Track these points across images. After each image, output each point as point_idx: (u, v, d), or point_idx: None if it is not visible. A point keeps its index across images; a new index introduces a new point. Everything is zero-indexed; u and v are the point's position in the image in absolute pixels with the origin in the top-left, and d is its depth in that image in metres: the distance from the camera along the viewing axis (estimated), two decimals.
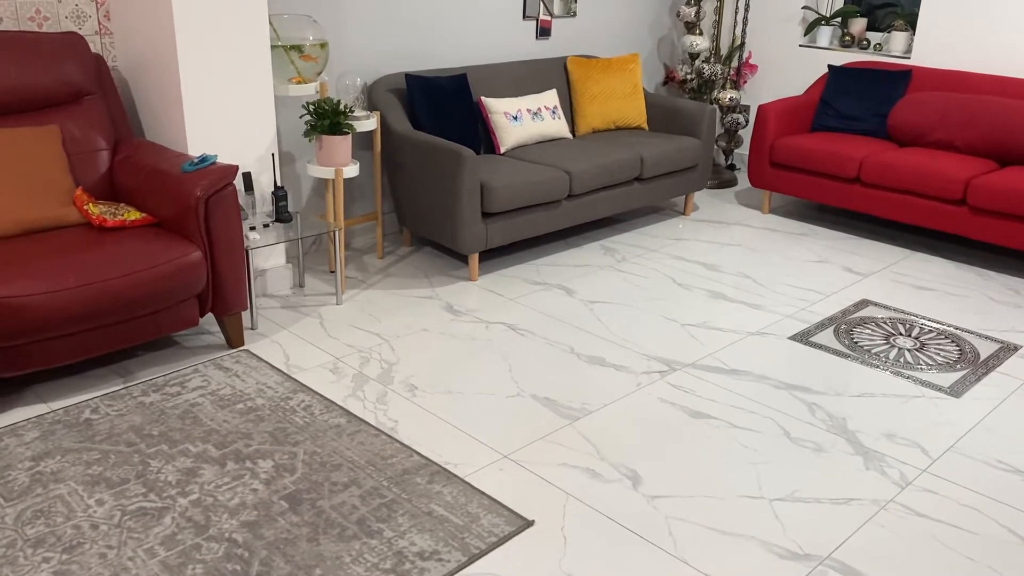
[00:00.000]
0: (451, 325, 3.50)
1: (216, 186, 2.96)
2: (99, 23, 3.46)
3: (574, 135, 4.88)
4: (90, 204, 3.06)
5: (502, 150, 4.40)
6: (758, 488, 2.49)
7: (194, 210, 2.93)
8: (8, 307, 2.55)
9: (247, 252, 3.25)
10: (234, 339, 3.22)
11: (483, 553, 2.18)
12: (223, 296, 3.09)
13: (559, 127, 4.64)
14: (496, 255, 4.30)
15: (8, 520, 2.24)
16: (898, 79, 4.92)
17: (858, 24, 5.41)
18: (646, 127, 5.00)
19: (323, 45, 3.76)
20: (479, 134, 4.30)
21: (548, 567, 2.15)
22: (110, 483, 2.41)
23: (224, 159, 3.45)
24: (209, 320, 3.43)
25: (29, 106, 3.15)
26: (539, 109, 4.56)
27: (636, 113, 4.93)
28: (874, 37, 5.41)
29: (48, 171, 3.03)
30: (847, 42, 5.43)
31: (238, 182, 3.51)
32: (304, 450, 2.59)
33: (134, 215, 3.06)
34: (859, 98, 4.97)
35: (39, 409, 2.78)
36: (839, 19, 5.50)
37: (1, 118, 3.08)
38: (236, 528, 2.24)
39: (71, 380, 2.96)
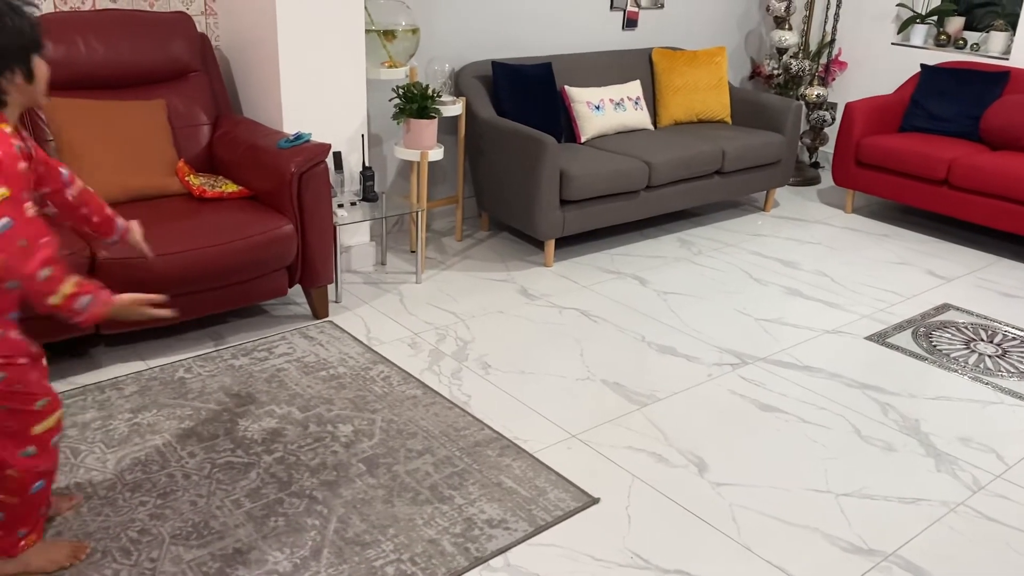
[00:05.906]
0: (525, 308, 3.57)
1: (310, 163, 3.09)
2: (205, 4, 3.64)
3: (656, 126, 4.89)
4: (191, 175, 3.23)
5: (583, 139, 4.44)
6: (825, 482, 2.50)
7: (288, 185, 3.07)
8: (120, 267, 2.72)
9: (335, 228, 3.38)
10: (319, 310, 3.36)
11: (549, 525, 2.25)
12: (311, 269, 3.22)
13: (641, 118, 4.66)
14: (572, 242, 4.36)
15: (109, 465, 2.41)
16: (994, 81, 4.78)
17: (955, 23, 5.27)
18: (729, 121, 4.97)
19: (414, 31, 3.87)
20: (561, 122, 4.35)
21: (612, 543, 2.21)
22: (201, 437, 2.56)
23: (317, 138, 3.58)
24: (296, 291, 3.58)
25: (139, 80, 3.34)
26: (622, 99, 4.59)
27: (720, 106, 4.92)
28: (971, 37, 5.26)
29: (154, 142, 3.21)
30: (942, 41, 5.29)
31: (328, 161, 3.64)
32: (382, 417, 2.70)
33: (231, 187, 3.22)
34: (952, 99, 4.85)
35: (138, 366, 2.96)
36: (935, 17, 5.36)
37: (113, 91, 3.27)
38: (316, 486, 2.36)
39: (167, 341, 3.14)
